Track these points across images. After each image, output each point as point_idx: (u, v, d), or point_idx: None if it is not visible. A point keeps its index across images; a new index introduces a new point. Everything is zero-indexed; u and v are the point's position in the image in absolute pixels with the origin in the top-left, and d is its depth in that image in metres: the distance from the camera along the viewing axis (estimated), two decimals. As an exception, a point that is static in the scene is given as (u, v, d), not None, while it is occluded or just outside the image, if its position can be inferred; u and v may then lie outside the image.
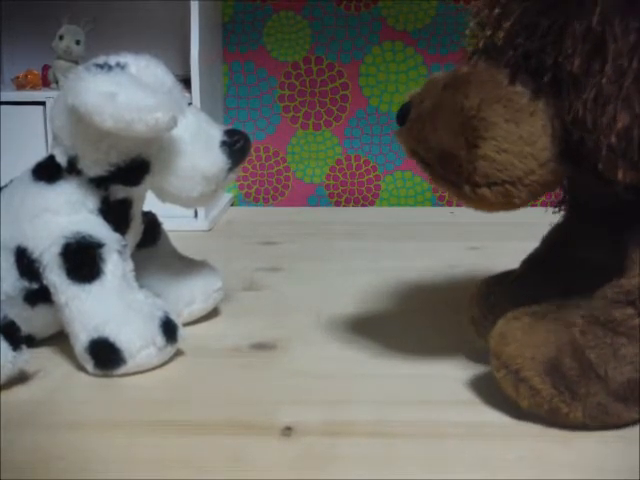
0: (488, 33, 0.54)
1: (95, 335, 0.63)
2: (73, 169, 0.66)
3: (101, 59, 0.65)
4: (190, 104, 0.72)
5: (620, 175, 0.49)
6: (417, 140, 0.55)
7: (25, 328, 0.66)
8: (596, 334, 0.53)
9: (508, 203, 0.54)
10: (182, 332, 0.67)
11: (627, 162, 0.48)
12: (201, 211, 1.26)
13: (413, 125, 0.55)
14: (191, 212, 1.25)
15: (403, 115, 0.56)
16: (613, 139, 0.48)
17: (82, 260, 0.64)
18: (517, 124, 0.52)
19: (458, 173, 0.53)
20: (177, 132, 0.65)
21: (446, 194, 1.55)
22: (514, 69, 0.52)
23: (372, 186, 1.50)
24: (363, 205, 1.51)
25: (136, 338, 0.63)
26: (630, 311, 0.53)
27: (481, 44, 0.55)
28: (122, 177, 0.66)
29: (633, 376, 0.52)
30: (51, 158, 0.67)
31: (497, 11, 0.53)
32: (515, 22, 0.52)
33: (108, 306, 0.64)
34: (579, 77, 0.49)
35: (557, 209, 0.65)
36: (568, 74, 0.50)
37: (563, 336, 0.53)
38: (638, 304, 0.53)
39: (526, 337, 0.54)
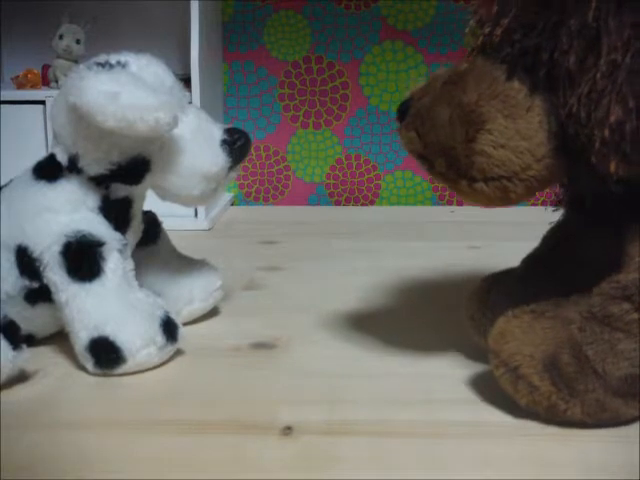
0: (487, 30, 0.54)
1: (95, 334, 0.63)
2: (74, 168, 0.66)
3: (102, 58, 0.65)
4: (190, 103, 0.72)
5: (612, 168, 0.49)
6: (417, 136, 0.55)
7: (25, 327, 0.66)
8: (593, 330, 0.53)
9: (505, 198, 0.55)
10: (182, 331, 0.67)
11: (619, 155, 0.49)
12: (201, 210, 1.26)
13: (412, 121, 0.56)
14: (191, 211, 1.25)
15: (403, 111, 0.57)
16: (606, 132, 0.49)
17: (82, 259, 0.64)
18: (514, 119, 0.52)
19: (455, 168, 0.54)
20: (178, 131, 0.65)
21: (446, 193, 1.54)
22: (511, 65, 0.53)
23: (372, 185, 1.50)
24: (363, 204, 1.51)
25: (136, 337, 0.63)
26: (627, 306, 0.53)
27: (479, 41, 0.55)
28: (123, 176, 0.66)
29: (631, 371, 0.52)
30: (51, 157, 0.67)
31: (495, 8, 0.54)
32: (512, 19, 0.53)
33: (108, 305, 0.64)
34: (574, 73, 0.50)
35: (556, 208, 0.65)
36: (564, 70, 0.50)
37: (561, 333, 0.53)
38: (635, 299, 0.53)
39: (525, 335, 0.54)
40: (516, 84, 0.53)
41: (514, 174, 0.53)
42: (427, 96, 0.55)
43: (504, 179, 0.53)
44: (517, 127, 0.52)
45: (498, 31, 0.53)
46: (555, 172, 0.54)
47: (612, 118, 0.48)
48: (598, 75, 0.48)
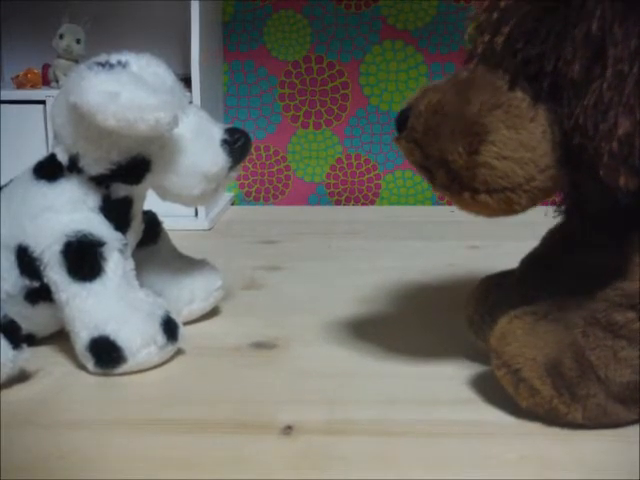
0: (486, 38, 0.53)
1: (96, 333, 0.63)
2: (74, 167, 0.66)
3: (102, 57, 0.65)
4: (190, 103, 0.72)
5: (622, 181, 0.49)
6: (417, 147, 0.54)
7: (26, 327, 0.66)
8: (597, 336, 0.53)
9: (508, 209, 0.54)
10: (183, 331, 0.67)
11: (629, 168, 0.48)
12: (201, 210, 1.26)
13: (412, 132, 0.54)
14: (191, 211, 1.25)
15: (402, 121, 0.55)
16: (614, 145, 0.47)
17: (83, 258, 0.64)
18: (517, 130, 0.51)
19: (458, 180, 0.53)
20: (178, 131, 0.65)
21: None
22: (514, 75, 0.52)
23: (372, 185, 1.51)
24: (363, 204, 1.51)
25: (137, 337, 0.63)
26: (631, 315, 0.53)
27: (480, 49, 0.54)
28: (123, 175, 0.66)
29: (633, 378, 0.52)
30: (52, 157, 0.67)
31: (495, 16, 0.53)
32: (514, 27, 0.51)
33: (109, 305, 0.64)
34: (579, 83, 0.49)
35: (556, 212, 0.65)
36: (568, 80, 0.49)
37: (564, 337, 0.53)
38: (639, 308, 0.53)
39: (527, 337, 0.54)
40: (519, 94, 0.52)
41: (518, 185, 0.52)
42: (426, 106, 0.54)
43: (508, 190, 0.52)
44: (520, 138, 0.51)
45: (499, 39, 0.52)
46: (559, 182, 0.53)
47: (620, 131, 0.47)
48: (605, 86, 0.47)
